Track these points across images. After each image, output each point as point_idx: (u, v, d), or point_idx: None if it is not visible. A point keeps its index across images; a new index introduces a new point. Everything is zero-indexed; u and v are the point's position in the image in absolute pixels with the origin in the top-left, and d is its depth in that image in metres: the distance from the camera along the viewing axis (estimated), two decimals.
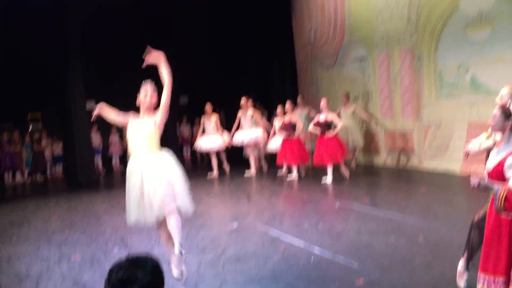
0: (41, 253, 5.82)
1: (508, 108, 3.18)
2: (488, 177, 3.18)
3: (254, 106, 13.11)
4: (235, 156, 11.82)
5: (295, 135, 9.79)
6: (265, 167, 11.26)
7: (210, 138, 10.79)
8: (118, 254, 5.40)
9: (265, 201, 8.20)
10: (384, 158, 11.00)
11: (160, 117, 4.29)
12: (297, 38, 13.86)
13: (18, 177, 12.69)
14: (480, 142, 4.29)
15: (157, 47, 4.48)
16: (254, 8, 13.40)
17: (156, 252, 5.10)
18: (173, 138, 12.66)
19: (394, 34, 10.27)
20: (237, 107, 10.84)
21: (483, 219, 3.47)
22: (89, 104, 12.49)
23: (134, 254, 1.62)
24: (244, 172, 10.81)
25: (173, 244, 4.23)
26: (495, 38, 8.11)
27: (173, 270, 4.25)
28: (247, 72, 14.59)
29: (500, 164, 3.09)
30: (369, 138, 11.17)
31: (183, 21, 13.39)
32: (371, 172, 10.32)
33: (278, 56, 14.45)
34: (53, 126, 13.34)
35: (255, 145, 10.87)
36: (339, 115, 10.27)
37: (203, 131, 10.94)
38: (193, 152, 14.62)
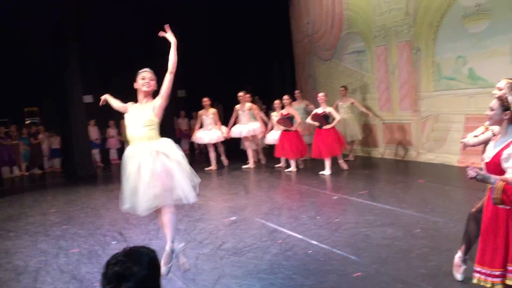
0: (39, 247, 5.82)
1: (506, 100, 3.18)
2: (486, 169, 3.19)
3: (253, 100, 13.11)
4: (233, 149, 11.82)
5: (293, 128, 9.79)
6: (263, 160, 11.26)
7: (208, 132, 10.78)
8: (116, 247, 5.40)
9: (263, 194, 8.20)
10: (382, 150, 11.01)
11: (159, 102, 4.12)
12: (295, 31, 13.82)
13: (16, 171, 12.66)
14: (477, 135, 4.29)
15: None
16: (253, 3, 13.37)
17: (154, 245, 5.10)
18: (170, 132, 12.63)
19: (392, 27, 10.24)
20: (235, 102, 10.82)
21: (480, 211, 3.47)
22: (86, 98, 12.46)
23: (131, 247, 1.62)
24: (242, 165, 10.81)
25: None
26: (492, 30, 8.09)
27: (161, 267, 3.98)
28: (246, 68, 14.58)
29: (497, 156, 3.09)
30: (367, 131, 11.17)
31: (181, 15, 13.33)
32: (369, 164, 10.33)
33: (277, 51, 14.44)
34: (51, 120, 13.31)
35: (253, 138, 10.86)
36: (337, 108, 10.26)
37: (201, 125, 10.92)
38: (191, 145, 14.62)
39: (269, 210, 6.88)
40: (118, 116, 14.42)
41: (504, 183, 2.91)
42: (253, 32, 14.23)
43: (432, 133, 9.66)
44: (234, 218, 6.51)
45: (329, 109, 9.33)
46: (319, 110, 9.39)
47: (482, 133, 4.14)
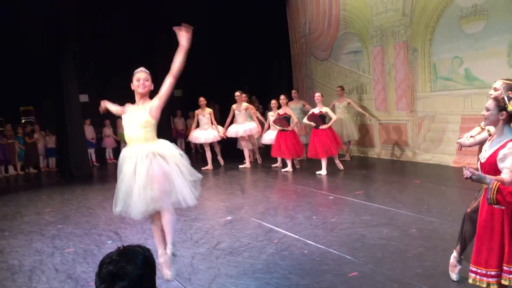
0: (34, 246, 5.80)
1: (502, 100, 3.18)
2: (481, 169, 3.19)
3: (250, 100, 13.10)
4: (230, 149, 11.80)
5: (289, 128, 9.78)
6: (259, 159, 11.26)
7: (204, 131, 10.76)
8: (111, 247, 5.38)
9: (260, 193, 8.20)
10: (378, 150, 11.03)
11: (156, 103, 3.98)
12: (292, 31, 13.83)
13: (11, 170, 12.61)
14: (473, 135, 4.29)
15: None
16: (250, 3, 13.37)
17: (150, 245, 5.09)
18: (167, 131, 12.61)
19: (389, 27, 10.26)
20: (232, 102, 10.81)
21: (475, 211, 3.48)
22: (82, 97, 12.44)
23: (125, 246, 1.60)
24: (238, 165, 10.81)
25: (165, 244, 4.03)
26: (489, 31, 8.11)
27: (164, 271, 3.97)
28: (242, 68, 14.58)
29: (493, 156, 3.09)
30: (364, 131, 11.19)
31: (180, 15, 13.31)
32: (365, 164, 10.34)
33: (274, 50, 14.44)
34: (46, 119, 13.26)
35: (249, 138, 10.86)
36: (333, 108, 10.27)
37: (197, 125, 10.90)
38: (187, 145, 14.60)
39: (265, 209, 6.87)
40: (114, 116, 14.43)
41: (499, 183, 2.91)
42: (250, 32, 14.24)
43: (428, 133, 9.68)
44: (229, 217, 6.50)
45: (325, 109, 9.34)
46: (315, 110, 9.40)
47: (479, 133, 4.15)
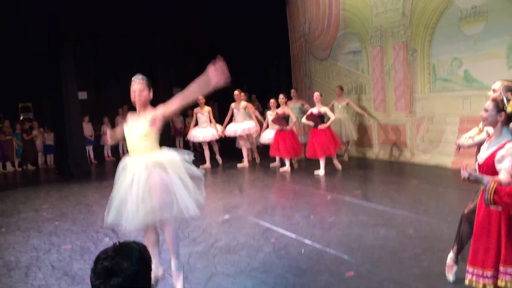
0: (31, 243, 5.79)
1: (501, 102, 3.18)
2: (479, 170, 3.19)
3: (250, 99, 13.10)
4: (228, 148, 11.80)
5: (288, 128, 9.78)
6: (257, 159, 11.25)
7: (203, 129, 10.76)
8: (108, 244, 5.36)
9: (257, 192, 8.19)
10: (376, 151, 11.04)
11: (157, 114, 3.83)
12: (292, 31, 13.82)
13: (9, 166, 12.59)
14: (471, 136, 4.30)
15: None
16: (250, 3, 13.36)
17: None
18: (165, 129, 12.60)
19: (388, 27, 10.26)
20: (231, 101, 10.80)
21: (473, 212, 3.48)
22: (81, 95, 12.42)
23: (121, 242, 1.60)
24: (236, 164, 10.80)
25: (158, 251, 3.95)
26: (488, 33, 8.12)
27: (174, 285, 3.94)
28: (242, 67, 14.53)
29: (491, 158, 3.10)
30: (362, 131, 11.19)
31: (179, 14, 13.31)
32: (363, 165, 10.35)
33: (273, 50, 14.43)
34: (45, 116, 13.25)
35: (248, 137, 10.85)
36: (332, 108, 10.27)
37: (196, 123, 10.90)
38: (186, 143, 14.59)
39: (263, 209, 6.87)
40: (112, 113, 14.46)
41: (497, 184, 2.92)
42: (250, 31, 14.23)
43: (426, 134, 9.69)
44: (227, 216, 6.50)
45: (324, 109, 9.34)
46: (314, 110, 9.39)
47: (477, 134, 4.16)
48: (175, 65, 14.36)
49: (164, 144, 4.04)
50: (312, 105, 9.75)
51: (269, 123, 10.36)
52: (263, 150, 11.30)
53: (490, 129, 3.48)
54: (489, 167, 3.11)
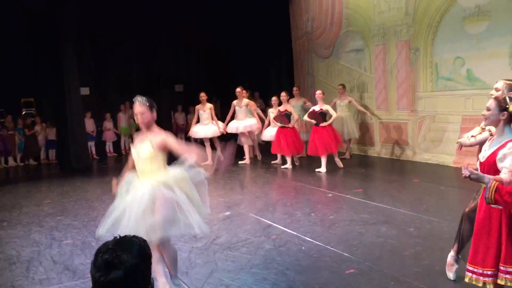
0: (32, 237, 5.81)
1: (503, 101, 3.18)
2: (480, 169, 3.19)
3: (253, 96, 13.10)
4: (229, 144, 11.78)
5: (290, 125, 9.78)
6: (259, 156, 11.25)
7: (205, 126, 10.76)
8: (109, 240, 5.38)
9: (259, 189, 8.20)
10: (378, 149, 11.03)
11: (162, 140, 3.71)
12: (294, 28, 13.80)
13: (11, 161, 12.62)
14: (474, 135, 4.29)
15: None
16: (254, 0, 13.37)
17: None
18: (168, 126, 12.62)
19: (391, 26, 10.24)
20: (233, 98, 10.81)
21: (473, 211, 3.48)
22: (83, 90, 12.44)
23: (122, 236, 1.61)
24: (238, 161, 10.80)
25: (163, 269, 3.84)
26: (492, 32, 8.10)
27: None
28: (244, 64, 14.56)
29: (492, 156, 3.09)
30: (364, 129, 11.18)
31: (181, 11, 13.31)
32: (365, 163, 10.34)
33: (276, 47, 14.42)
34: (47, 112, 13.28)
35: (249, 134, 10.85)
36: (334, 106, 10.25)
37: (198, 120, 10.90)
38: (188, 140, 14.61)
39: (264, 206, 6.88)
40: (114, 109, 14.48)
41: (498, 182, 2.91)
42: (252, 28, 14.22)
43: (428, 133, 9.68)
44: (228, 213, 6.51)
45: (326, 107, 9.34)
46: (316, 108, 9.39)
47: (479, 133, 4.15)
48: (176, 62, 14.39)
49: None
50: (314, 103, 9.74)
51: (270, 120, 10.36)
52: (265, 148, 11.30)
53: (492, 128, 3.48)
54: (490, 166, 3.10)
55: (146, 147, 3.72)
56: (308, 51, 13.22)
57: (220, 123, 10.82)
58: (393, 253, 4.64)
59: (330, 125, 9.30)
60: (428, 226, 5.41)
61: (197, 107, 10.88)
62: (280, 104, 10.01)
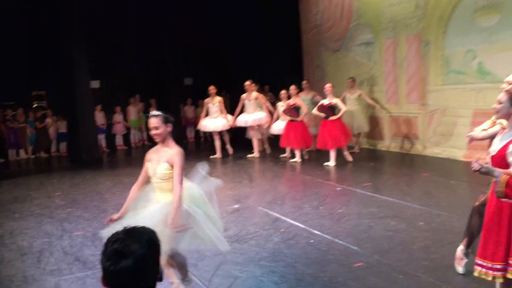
0: (43, 229, 5.88)
1: None
2: (491, 162, 3.17)
3: (263, 90, 13.09)
4: (239, 138, 11.82)
5: (299, 118, 9.76)
6: (268, 149, 11.26)
7: (214, 120, 10.78)
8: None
9: (267, 183, 8.21)
10: (387, 143, 10.98)
11: (175, 159, 3.60)
12: (304, 22, 13.73)
13: (22, 154, 12.75)
14: (485, 128, 4.26)
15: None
16: None
17: None
18: (176, 119, 12.66)
19: (401, 19, 10.15)
20: (242, 92, 10.80)
21: (483, 204, 3.46)
22: (93, 83, 12.51)
23: (131, 227, 1.63)
24: (247, 154, 10.82)
25: (174, 275, 3.83)
26: (503, 25, 8.00)
27: None
28: (253, 57, 14.52)
29: (503, 150, 3.07)
30: (374, 123, 11.12)
31: (189, 4, 13.30)
32: (374, 157, 10.30)
33: (285, 41, 14.36)
34: (58, 105, 13.38)
35: (258, 127, 10.85)
36: (344, 100, 10.21)
37: (207, 113, 10.92)
38: (197, 133, 14.65)
39: (273, 199, 6.89)
40: (124, 102, 14.54)
41: (509, 176, 2.89)
42: (261, 21, 14.18)
43: (438, 127, 9.61)
44: (237, 206, 6.53)
45: (335, 100, 9.30)
46: (325, 101, 9.36)
47: (491, 126, 4.12)
48: (185, 56, 14.39)
49: (175, 134, 3.85)
50: (324, 96, 9.71)
51: (280, 114, 10.34)
52: (274, 141, 11.30)
53: (503, 121, 3.45)
54: (501, 160, 3.08)
55: (162, 167, 3.63)
56: (318, 44, 13.16)
57: (229, 116, 10.83)
58: (402, 247, 4.63)
59: (339, 118, 9.27)
60: (438, 220, 5.39)
61: (206, 100, 10.90)
62: (289, 97, 9.99)
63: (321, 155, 9.84)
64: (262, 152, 11.15)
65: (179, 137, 3.87)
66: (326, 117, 9.29)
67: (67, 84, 11.61)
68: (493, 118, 4.31)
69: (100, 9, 12.50)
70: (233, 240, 5.04)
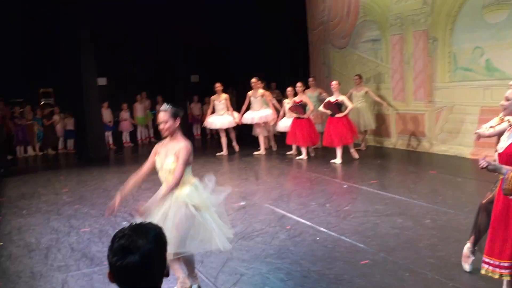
0: (51, 225, 5.92)
1: None
2: (499, 160, 3.15)
3: (269, 87, 13.07)
4: (245, 135, 11.83)
5: (305, 116, 9.75)
6: (274, 146, 11.26)
7: (220, 117, 10.79)
8: None
9: (273, 180, 8.21)
10: (394, 140, 10.93)
11: (178, 151, 3.64)
12: (311, 18, 13.69)
13: (30, 150, 12.83)
14: (492, 126, 4.23)
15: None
16: None
17: None
18: (183, 117, 12.68)
19: (409, 15, 10.09)
20: (248, 88, 10.80)
21: (491, 202, 3.44)
22: (100, 81, 12.55)
23: (138, 223, 1.63)
24: (253, 151, 10.82)
25: (182, 267, 3.83)
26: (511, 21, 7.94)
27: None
28: (260, 54, 14.50)
29: (511, 147, 3.05)
30: (380, 121, 11.08)
31: (195, 1, 13.30)
32: (380, 154, 10.27)
33: (291, 37, 14.32)
34: (65, 102, 13.44)
35: (265, 124, 10.85)
36: (351, 97, 10.17)
37: (213, 110, 10.93)
38: (203, 130, 14.67)
39: (279, 196, 6.89)
40: (131, 100, 14.57)
41: None
42: (268, 18, 14.15)
43: (446, 124, 9.56)
44: (243, 203, 6.53)
45: (342, 98, 9.28)
46: (332, 99, 9.34)
47: (498, 123, 4.09)
48: (192, 53, 14.40)
49: (181, 131, 3.84)
50: (330, 93, 9.69)
51: (286, 111, 10.33)
52: (280, 138, 11.30)
53: (511, 118, 3.42)
54: (509, 157, 3.06)
55: (170, 160, 3.65)
56: (324, 41, 13.12)
57: (235, 113, 10.84)
58: (409, 244, 4.62)
59: (345, 116, 9.25)
60: (445, 217, 5.37)
61: (212, 97, 10.90)
62: (295, 94, 9.97)
63: (327, 153, 9.83)
64: (269, 149, 11.15)
65: (185, 134, 3.91)
66: (333, 114, 9.28)
67: (74, 81, 11.66)
68: (501, 115, 4.29)
69: (106, 6, 12.52)
70: (239, 237, 5.05)
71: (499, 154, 3.16)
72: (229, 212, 6.08)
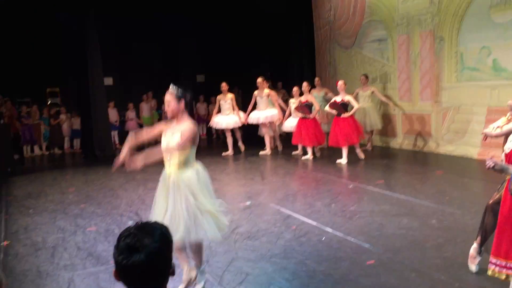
0: (57, 224, 5.94)
1: None
2: (506, 160, 3.13)
3: (276, 86, 13.07)
4: (251, 135, 11.83)
5: (311, 116, 9.73)
6: (280, 146, 11.25)
7: (226, 117, 10.80)
8: None
9: (279, 180, 8.21)
10: (400, 140, 10.90)
11: (185, 133, 3.64)
12: (317, 18, 13.67)
13: (36, 150, 12.90)
14: (499, 126, 4.21)
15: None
16: None
17: None
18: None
19: (415, 15, 10.06)
20: (255, 88, 10.79)
21: (497, 203, 3.42)
22: (106, 80, 12.60)
23: (144, 222, 1.64)
24: (259, 151, 10.82)
25: (186, 256, 3.92)
26: None
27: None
28: (267, 54, 14.51)
29: None
30: (386, 121, 11.05)
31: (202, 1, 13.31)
32: (387, 154, 10.24)
33: (298, 37, 14.32)
34: (72, 101, 13.51)
35: (270, 124, 10.85)
36: (357, 97, 10.15)
37: (219, 110, 10.94)
38: (209, 130, 14.68)
39: (284, 196, 6.89)
40: (137, 99, 14.61)
41: None
42: (274, 18, 14.14)
43: (452, 124, 9.51)
44: (248, 203, 6.53)
45: (348, 98, 9.26)
46: (337, 98, 9.32)
47: (505, 124, 4.07)
48: (197, 52, 14.43)
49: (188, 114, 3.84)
50: (336, 93, 9.67)
51: (292, 111, 10.32)
52: (286, 138, 11.29)
53: None
54: None
55: (176, 137, 3.65)
56: (330, 41, 13.10)
57: (241, 113, 10.84)
58: (415, 245, 4.60)
59: (351, 116, 9.23)
60: (451, 218, 5.35)
61: (218, 97, 10.91)
62: (301, 94, 9.96)
63: (333, 153, 9.81)
64: (274, 149, 11.15)
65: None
66: (339, 114, 9.26)
67: (81, 81, 11.72)
68: (508, 115, 4.28)
69: (112, 6, 12.56)
70: (244, 237, 5.06)
71: (506, 154, 3.15)
72: (234, 212, 6.12)
